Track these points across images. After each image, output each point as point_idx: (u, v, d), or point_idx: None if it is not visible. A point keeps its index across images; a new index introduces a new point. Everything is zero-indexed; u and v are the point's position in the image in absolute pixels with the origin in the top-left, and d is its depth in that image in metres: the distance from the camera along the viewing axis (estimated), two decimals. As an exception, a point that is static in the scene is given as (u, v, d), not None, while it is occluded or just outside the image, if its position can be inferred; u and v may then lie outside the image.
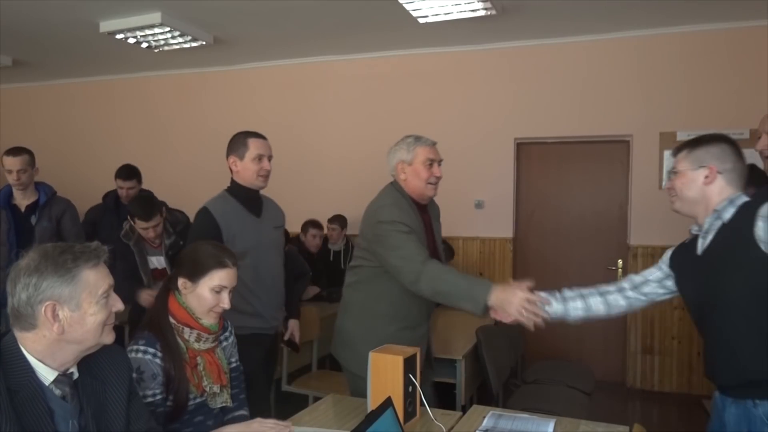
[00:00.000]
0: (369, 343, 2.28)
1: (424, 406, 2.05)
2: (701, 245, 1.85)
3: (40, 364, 1.35)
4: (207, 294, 1.92)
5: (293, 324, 2.99)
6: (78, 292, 1.34)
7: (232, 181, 2.72)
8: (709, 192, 1.82)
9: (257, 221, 2.71)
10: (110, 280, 1.41)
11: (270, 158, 2.72)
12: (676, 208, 1.92)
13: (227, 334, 2.12)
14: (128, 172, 4.19)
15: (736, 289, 1.73)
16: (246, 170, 2.66)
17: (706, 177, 1.81)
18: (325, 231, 5.21)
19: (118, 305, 1.42)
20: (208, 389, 1.93)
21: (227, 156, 2.71)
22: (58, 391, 1.37)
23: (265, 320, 2.70)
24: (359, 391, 2.34)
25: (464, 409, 2.50)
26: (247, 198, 2.70)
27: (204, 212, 2.62)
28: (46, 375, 1.36)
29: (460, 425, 2.00)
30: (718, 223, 1.79)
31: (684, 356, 4.85)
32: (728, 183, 1.81)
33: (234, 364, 2.12)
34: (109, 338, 1.43)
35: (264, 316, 2.69)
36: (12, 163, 3.50)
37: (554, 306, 2.07)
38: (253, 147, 2.66)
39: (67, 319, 1.34)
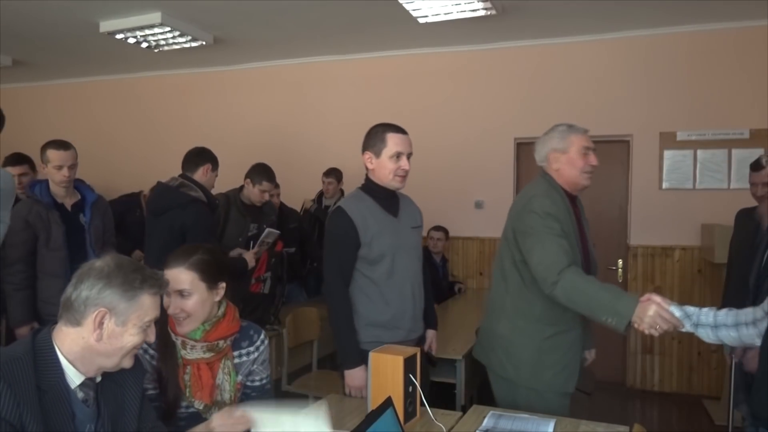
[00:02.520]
0: (526, 349, 2.26)
1: (424, 406, 2.05)
2: None
3: (71, 367, 1.38)
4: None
5: (431, 335, 2.63)
6: (131, 310, 1.40)
7: (367, 179, 2.47)
8: None
9: (395, 222, 2.44)
10: (158, 312, 1.47)
11: (409, 156, 2.41)
12: None
13: (251, 348, 1.94)
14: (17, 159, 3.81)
15: None
16: (382, 169, 2.38)
17: None
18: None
19: (152, 337, 1.47)
20: (191, 401, 1.84)
21: (363, 151, 2.43)
22: (81, 395, 1.40)
23: (403, 333, 2.41)
24: (508, 400, 2.25)
25: (464, 409, 2.49)
26: (384, 196, 2.44)
27: (339, 212, 2.37)
28: (74, 378, 1.39)
29: (460, 425, 1.99)
30: None
31: (684, 356, 4.86)
32: None
33: (257, 383, 1.97)
34: (129, 363, 1.46)
35: (401, 329, 2.41)
36: (63, 157, 3.13)
37: (686, 328, 1.93)
38: (392, 143, 2.37)
39: (109, 330, 1.38)
